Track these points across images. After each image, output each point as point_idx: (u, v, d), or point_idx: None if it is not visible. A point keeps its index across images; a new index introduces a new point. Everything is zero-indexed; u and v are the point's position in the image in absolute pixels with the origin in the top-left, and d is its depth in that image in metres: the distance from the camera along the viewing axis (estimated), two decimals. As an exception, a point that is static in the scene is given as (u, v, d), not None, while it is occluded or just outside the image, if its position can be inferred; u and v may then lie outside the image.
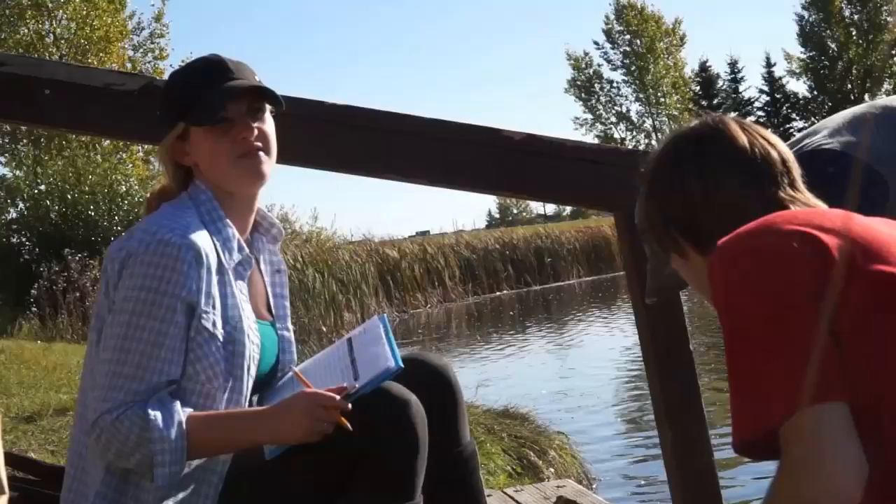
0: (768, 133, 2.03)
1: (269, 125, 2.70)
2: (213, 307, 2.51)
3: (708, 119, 2.07)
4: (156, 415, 2.37)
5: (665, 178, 2.04)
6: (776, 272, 1.68)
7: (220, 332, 2.51)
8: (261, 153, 2.65)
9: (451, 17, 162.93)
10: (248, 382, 2.60)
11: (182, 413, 2.41)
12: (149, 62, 37.67)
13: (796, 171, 2.00)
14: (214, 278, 2.52)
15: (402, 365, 2.51)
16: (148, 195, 2.83)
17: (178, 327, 2.44)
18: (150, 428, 2.36)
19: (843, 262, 1.65)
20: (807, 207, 1.93)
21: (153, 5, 38.91)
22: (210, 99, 2.59)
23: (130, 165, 30.71)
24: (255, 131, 2.64)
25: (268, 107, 2.71)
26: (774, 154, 1.99)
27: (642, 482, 7.94)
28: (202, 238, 2.52)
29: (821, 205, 1.97)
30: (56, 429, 6.86)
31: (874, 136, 2.98)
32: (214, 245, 2.56)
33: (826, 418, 1.55)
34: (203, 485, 2.50)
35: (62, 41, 35.34)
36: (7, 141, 35.21)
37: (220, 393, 2.51)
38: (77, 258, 17.73)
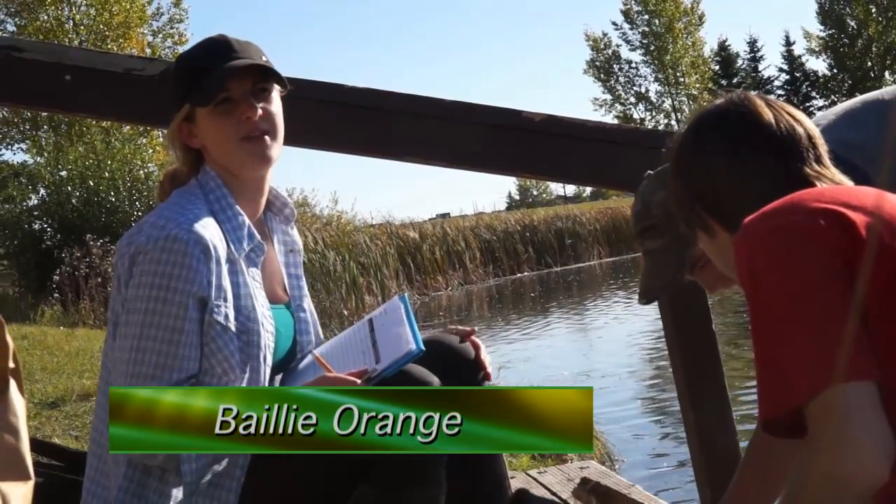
0: (794, 109, 2.03)
1: (275, 105, 2.66)
2: (225, 299, 2.50)
3: (733, 96, 2.07)
4: None
5: (691, 154, 2.04)
6: (802, 250, 1.67)
7: (232, 324, 2.51)
8: (266, 135, 2.62)
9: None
10: (266, 371, 2.59)
11: None
12: (168, 47, 37.74)
13: (822, 146, 2.00)
14: (225, 269, 2.51)
15: (423, 348, 2.50)
16: (161, 178, 2.82)
17: (192, 322, 2.44)
18: None
19: (871, 239, 1.64)
20: (833, 184, 1.92)
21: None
22: (211, 79, 2.56)
23: (151, 151, 30.78)
24: (260, 111, 2.60)
25: (276, 88, 2.69)
26: (800, 130, 1.98)
27: (666, 462, 7.93)
28: (210, 229, 2.50)
29: (847, 181, 1.96)
30: (79, 414, 6.89)
31: (865, 131, 2.90)
32: (224, 235, 2.55)
33: (854, 397, 1.54)
34: (226, 477, 2.50)
35: (81, 27, 35.42)
36: (28, 127, 35.33)
37: (237, 384, 2.50)
38: (98, 244, 17.75)
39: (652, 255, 2.77)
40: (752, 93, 2.08)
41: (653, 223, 2.73)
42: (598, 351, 14.39)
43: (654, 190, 2.73)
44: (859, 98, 3.05)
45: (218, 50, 2.61)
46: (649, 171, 2.85)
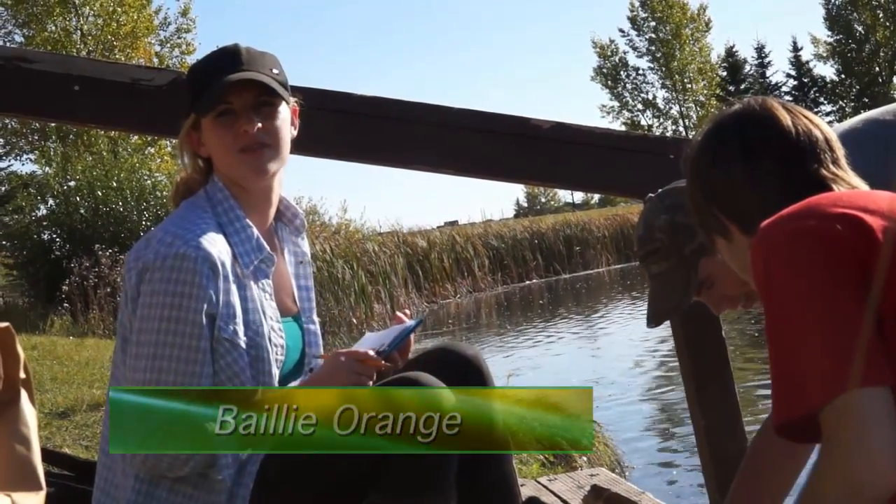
0: (810, 113, 2.04)
1: (279, 119, 2.66)
2: (234, 315, 2.50)
3: (751, 100, 2.08)
4: None
5: (708, 157, 2.05)
6: (818, 254, 1.68)
7: (241, 340, 2.51)
8: (264, 148, 2.62)
9: (476, 5, 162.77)
10: (275, 385, 2.59)
11: None
12: (176, 57, 37.77)
13: (839, 150, 2.01)
14: (233, 286, 2.52)
15: (422, 318, 2.52)
16: (177, 180, 2.81)
17: (205, 340, 2.44)
18: None
19: (887, 244, 1.64)
20: (850, 187, 1.93)
21: (179, 0, 38.88)
22: (212, 90, 2.58)
23: (159, 160, 30.83)
24: (259, 125, 2.60)
25: (289, 100, 2.70)
26: (817, 133, 1.99)
27: (676, 469, 7.92)
28: (218, 245, 2.51)
29: (863, 185, 1.97)
30: (90, 424, 6.90)
31: (866, 156, 2.89)
32: (231, 249, 2.56)
33: (868, 402, 1.54)
34: (234, 485, 2.50)
35: (89, 37, 35.47)
36: (36, 138, 35.40)
37: None
38: (107, 253, 17.77)
39: (657, 278, 2.77)
40: (770, 97, 2.09)
41: (656, 247, 2.73)
42: (607, 358, 14.37)
43: (657, 213, 2.73)
44: (862, 118, 3.04)
45: (224, 61, 2.62)
46: (650, 195, 2.84)
